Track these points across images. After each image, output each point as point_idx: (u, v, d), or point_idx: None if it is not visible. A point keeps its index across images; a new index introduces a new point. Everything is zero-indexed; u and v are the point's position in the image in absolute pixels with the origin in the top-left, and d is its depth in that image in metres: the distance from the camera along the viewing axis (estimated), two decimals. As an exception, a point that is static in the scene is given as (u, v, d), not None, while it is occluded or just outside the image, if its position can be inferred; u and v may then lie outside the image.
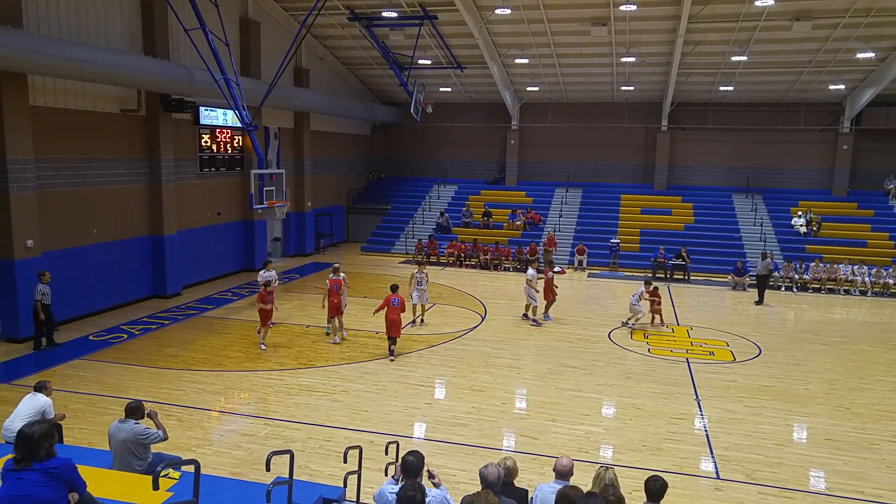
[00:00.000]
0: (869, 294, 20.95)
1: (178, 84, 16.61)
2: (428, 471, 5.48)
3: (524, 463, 7.84)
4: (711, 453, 9.41)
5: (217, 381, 11.85)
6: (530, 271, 16.68)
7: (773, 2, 18.19)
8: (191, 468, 5.13)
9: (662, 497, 5.31)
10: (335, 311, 14.27)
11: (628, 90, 27.08)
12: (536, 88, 28.13)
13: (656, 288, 16.42)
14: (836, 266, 21.75)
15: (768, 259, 19.83)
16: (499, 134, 30.59)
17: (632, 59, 23.22)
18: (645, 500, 5.30)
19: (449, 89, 29.22)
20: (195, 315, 16.53)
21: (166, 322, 15.80)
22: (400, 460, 5.29)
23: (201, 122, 19.67)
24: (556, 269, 21.20)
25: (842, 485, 8.58)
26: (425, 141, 31.73)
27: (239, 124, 18.29)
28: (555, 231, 25.85)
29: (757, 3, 18.48)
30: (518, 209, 27.53)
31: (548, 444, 9.50)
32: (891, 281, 21.18)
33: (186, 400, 10.92)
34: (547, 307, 16.94)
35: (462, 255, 24.74)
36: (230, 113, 20.12)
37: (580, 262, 24.23)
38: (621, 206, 27.87)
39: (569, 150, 30.08)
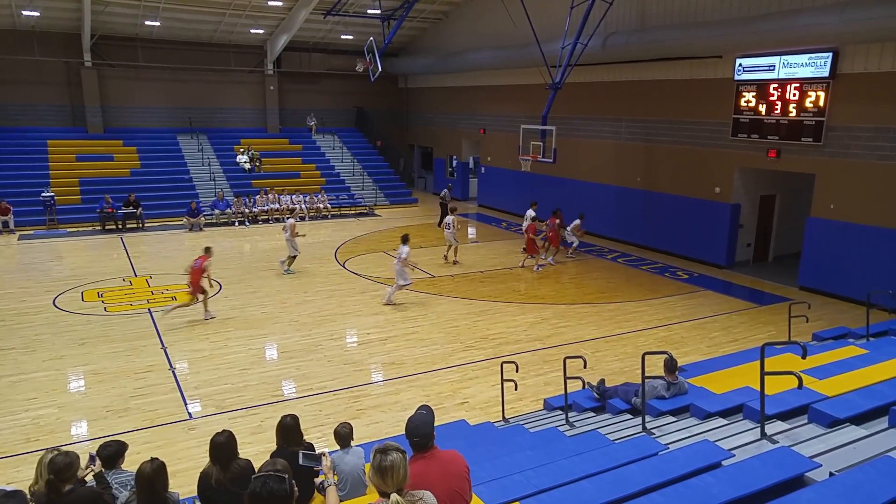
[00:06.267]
0: (307, 219, 23.98)
1: None
2: None
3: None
4: (182, 396, 9.29)
5: None
6: None
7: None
8: None
9: (117, 461, 4.92)
10: None
11: (33, 15, 22.94)
12: None
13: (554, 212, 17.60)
14: (278, 197, 24.12)
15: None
16: None
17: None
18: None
19: None
20: None
21: None
22: None
23: None
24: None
25: (297, 387, 9.68)
26: None
27: None
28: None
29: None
30: None
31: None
32: (321, 205, 24.77)
33: None
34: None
35: None
36: None
37: (5, 224, 20.18)
38: (50, 153, 24.19)
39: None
